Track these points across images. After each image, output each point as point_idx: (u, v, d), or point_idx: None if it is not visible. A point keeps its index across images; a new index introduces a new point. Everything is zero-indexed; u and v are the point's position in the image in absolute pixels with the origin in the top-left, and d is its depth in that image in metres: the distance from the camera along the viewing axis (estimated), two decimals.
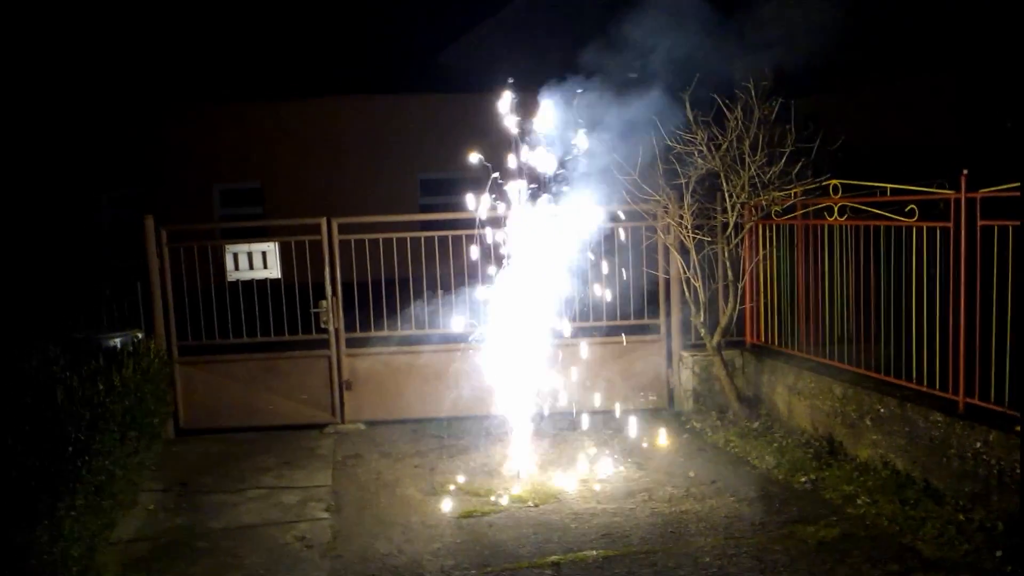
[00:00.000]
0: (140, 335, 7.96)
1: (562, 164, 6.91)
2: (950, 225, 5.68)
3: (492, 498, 6.28)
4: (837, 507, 5.81)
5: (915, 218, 5.97)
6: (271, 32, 18.00)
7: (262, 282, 8.33)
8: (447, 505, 6.18)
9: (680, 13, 7.54)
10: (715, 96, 6.88)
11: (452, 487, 6.54)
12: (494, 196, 6.93)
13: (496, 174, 6.81)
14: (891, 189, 6.19)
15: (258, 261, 8.27)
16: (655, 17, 7.71)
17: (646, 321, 8.37)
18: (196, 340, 8.32)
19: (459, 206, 7.40)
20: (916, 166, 6.98)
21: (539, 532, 5.64)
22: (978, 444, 5.43)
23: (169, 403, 7.86)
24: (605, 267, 7.71)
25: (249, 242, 8.35)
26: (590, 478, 6.63)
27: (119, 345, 7.49)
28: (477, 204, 6.91)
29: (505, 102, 6.61)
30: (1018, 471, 5.14)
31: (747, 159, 7.02)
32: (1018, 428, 5.21)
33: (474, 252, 7.19)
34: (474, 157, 6.69)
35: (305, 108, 17.59)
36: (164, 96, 17.36)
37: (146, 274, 8.13)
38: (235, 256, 8.25)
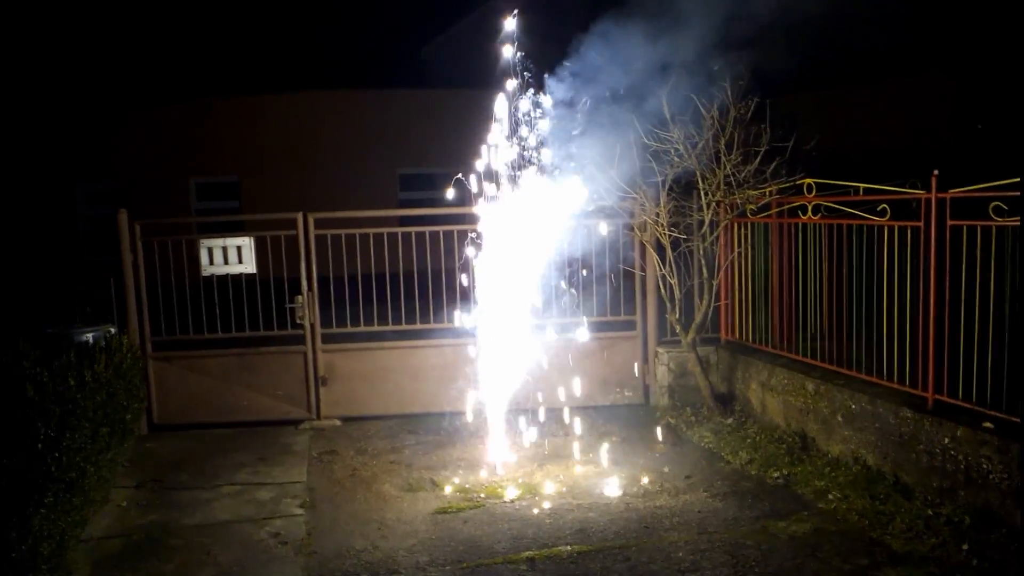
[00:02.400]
0: (113, 330, 7.88)
1: (539, 160, 6.93)
2: (920, 225, 5.76)
3: (467, 494, 6.29)
4: (809, 502, 5.88)
5: (887, 217, 6.05)
6: (250, 26, 17.88)
7: (237, 277, 8.27)
8: (422, 501, 6.19)
9: (659, 11, 7.58)
10: (692, 96, 6.91)
11: (428, 483, 6.54)
12: (472, 192, 6.94)
13: (474, 169, 6.83)
14: (864, 188, 6.27)
15: (233, 256, 8.22)
16: (634, 16, 7.74)
17: (622, 317, 8.40)
18: (170, 335, 8.26)
19: (438, 201, 7.41)
20: (893, 166, 7.06)
21: (514, 528, 5.66)
22: (946, 440, 5.51)
23: (142, 399, 7.78)
24: (582, 263, 7.75)
25: (224, 237, 8.28)
26: (565, 473, 6.66)
27: (91, 340, 7.41)
28: (458, 197, 6.94)
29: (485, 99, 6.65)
30: (984, 466, 5.23)
31: (723, 158, 7.07)
32: (986, 424, 5.31)
33: (451, 248, 7.20)
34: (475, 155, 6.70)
35: (283, 102, 17.50)
36: (140, 89, 17.19)
37: (120, 268, 8.05)
38: (210, 251, 8.19)
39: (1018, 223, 4.98)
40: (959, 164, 6.13)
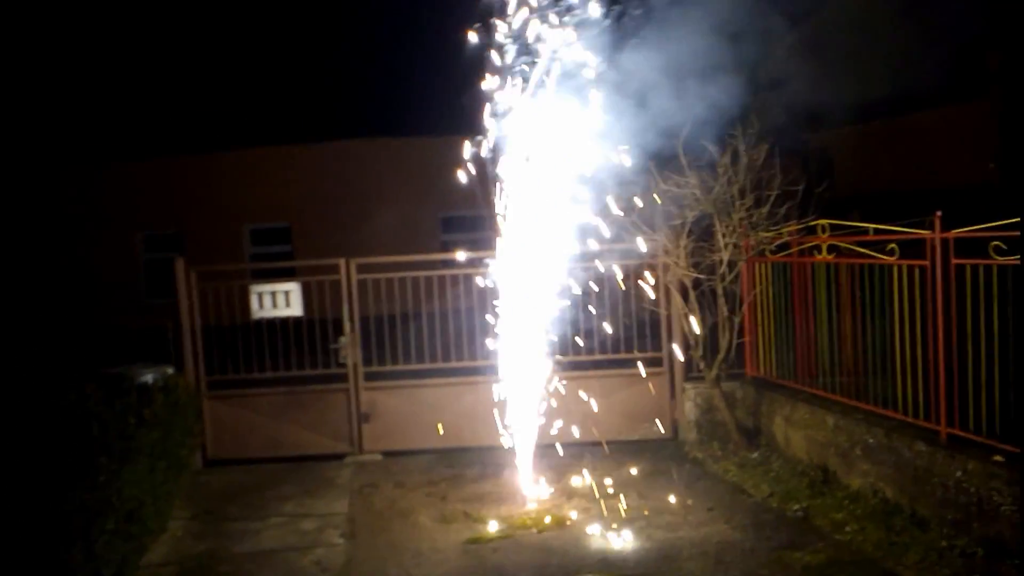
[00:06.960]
0: (171, 371, 8.44)
1: (565, 205, 7.28)
2: (927, 264, 5.97)
3: (498, 525, 6.60)
4: (826, 534, 6.04)
5: (896, 257, 6.27)
6: (302, 76, 18.75)
7: (286, 318, 8.80)
8: (455, 532, 6.52)
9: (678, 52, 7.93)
10: (705, 144, 7.23)
11: (461, 515, 6.87)
12: (498, 236, 7.34)
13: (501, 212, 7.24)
14: (874, 229, 6.50)
15: (281, 301, 8.76)
16: (661, 59, 8.11)
17: (650, 354, 8.66)
18: (223, 375, 8.80)
19: (477, 243, 7.85)
20: (918, 203, 7.19)
21: (539, 557, 5.95)
22: (959, 473, 5.66)
23: (197, 435, 8.30)
24: (610, 303, 8.06)
25: (273, 283, 8.85)
26: (592, 505, 6.92)
27: (151, 381, 7.94)
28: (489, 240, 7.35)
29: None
30: (995, 499, 5.37)
31: (736, 202, 7.36)
32: (996, 458, 5.45)
33: (482, 289, 7.61)
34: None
35: (332, 149, 18.27)
36: (198, 138, 18.14)
37: (177, 313, 8.64)
38: (260, 296, 8.75)
39: (1017, 262, 5.17)
40: (993, 199, 6.19)
